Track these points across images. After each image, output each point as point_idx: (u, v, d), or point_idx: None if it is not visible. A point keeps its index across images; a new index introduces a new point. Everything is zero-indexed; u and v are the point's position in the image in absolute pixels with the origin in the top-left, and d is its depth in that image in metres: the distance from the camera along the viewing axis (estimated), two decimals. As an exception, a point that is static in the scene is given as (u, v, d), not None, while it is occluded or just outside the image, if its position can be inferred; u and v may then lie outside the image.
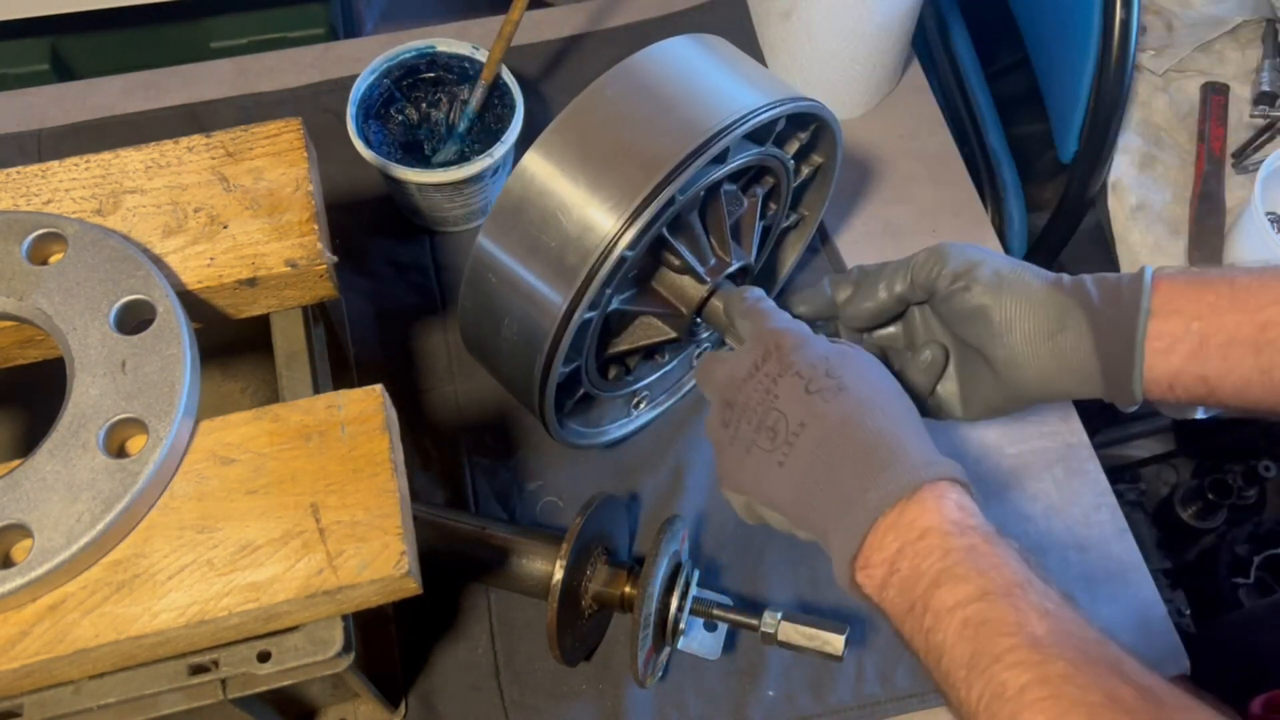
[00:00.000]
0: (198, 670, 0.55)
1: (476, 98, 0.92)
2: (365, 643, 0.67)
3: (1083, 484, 0.87)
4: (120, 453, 0.55)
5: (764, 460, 0.60)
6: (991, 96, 1.21)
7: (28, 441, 0.77)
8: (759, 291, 0.69)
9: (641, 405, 0.86)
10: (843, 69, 1.00)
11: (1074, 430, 0.89)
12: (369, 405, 0.59)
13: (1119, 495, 0.96)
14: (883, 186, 1.01)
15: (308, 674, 0.57)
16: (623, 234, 0.64)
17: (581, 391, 0.77)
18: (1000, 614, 0.49)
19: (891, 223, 0.99)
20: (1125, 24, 0.94)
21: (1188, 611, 1.32)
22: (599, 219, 0.64)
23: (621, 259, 0.65)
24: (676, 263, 0.72)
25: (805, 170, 0.81)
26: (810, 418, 0.59)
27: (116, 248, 0.59)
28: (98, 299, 0.58)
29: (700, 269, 0.72)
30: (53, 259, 0.60)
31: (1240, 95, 1.07)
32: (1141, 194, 1.02)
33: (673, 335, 0.76)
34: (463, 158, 0.92)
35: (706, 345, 0.85)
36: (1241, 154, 1.03)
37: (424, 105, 0.96)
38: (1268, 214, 0.95)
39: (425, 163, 0.93)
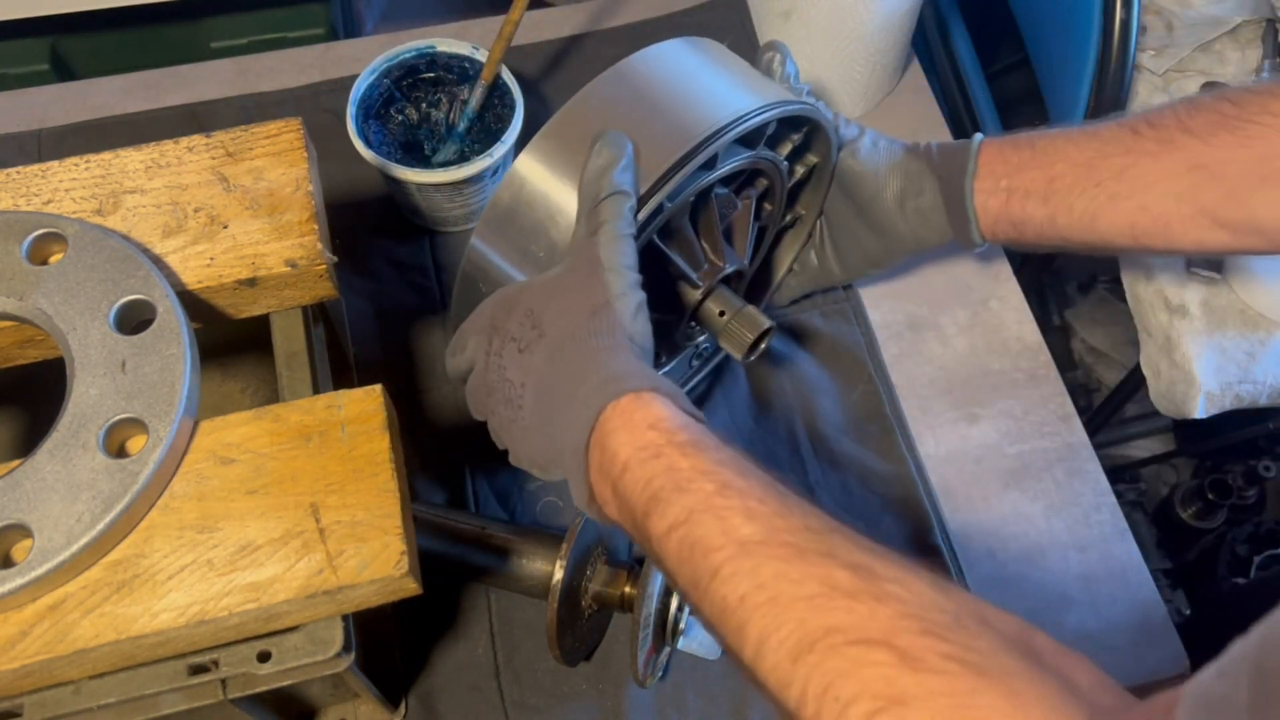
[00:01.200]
0: (198, 670, 0.55)
1: (476, 98, 0.92)
2: (365, 643, 0.67)
3: (1083, 484, 0.87)
4: (120, 453, 0.55)
5: (513, 429, 0.62)
6: (991, 96, 1.21)
7: (28, 441, 0.77)
8: (628, 227, 0.65)
9: None
10: (843, 69, 1.00)
11: (1074, 430, 0.89)
12: (369, 405, 0.59)
13: (1119, 495, 0.96)
14: (883, 186, 1.01)
15: (308, 674, 0.57)
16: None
17: None
18: (706, 529, 0.48)
19: (891, 223, 0.99)
20: (1125, 24, 0.94)
21: (1188, 611, 1.32)
22: None
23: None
24: (669, 268, 0.72)
25: (800, 170, 0.81)
26: (526, 375, 0.60)
27: (116, 248, 0.60)
28: (98, 299, 0.58)
29: (693, 274, 0.72)
30: (53, 259, 0.60)
31: (1240, 95, 1.06)
32: (1141, 194, 1.02)
33: (666, 338, 0.76)
34: (463, 158, 0.92)
35: (706, 347, 0.86)
36: (1241, 154, 1.03)
37: (424, 105, 0.96)
38: (1268, 214, 0.95)
39: (425, 163, 0.93)
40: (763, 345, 0.74)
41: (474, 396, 0.66)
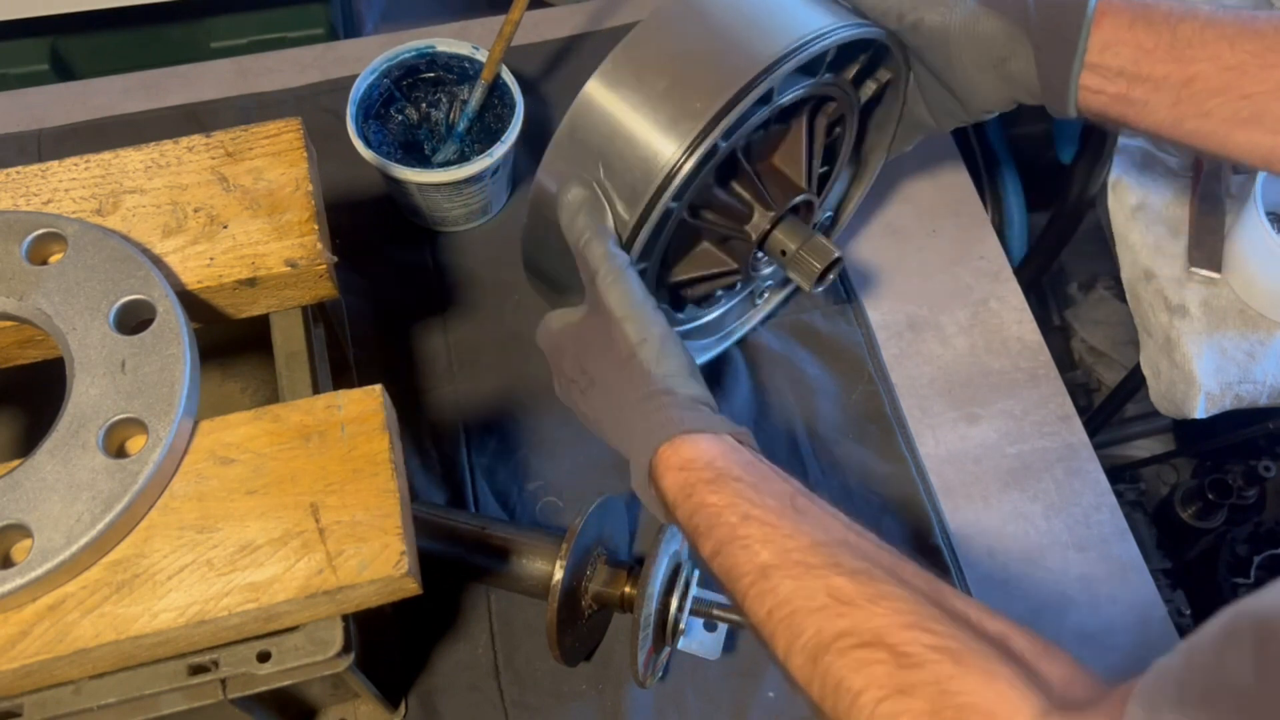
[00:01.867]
0: (198, 670, 0.55)
1: (476, 98, 0.92)
2: (365, 643, 0.67)
3: (1083, 484, 0.87)
4: (120, 453, 0.55)
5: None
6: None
7: (28, 441, 0.77)
8: (618, 262, 0.66)
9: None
10: (843, 69, 1.00)
11: (1074, 430, 0.89)
12: (369, 405, 0.59)
13: (1119, 495, 0.96)
14: (883, 186, 1.01)
15: (308, 674, 0.57)
16: (681, 164, 0.65)
17: None
18: (734, 558, 0.55)
19: (891, 223, 0.99)
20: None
21: (1188, 611, 1.32)
22: (660, 147, 0.65)
23: (683, 188, 0.66)
24: (741, 193, 0.72)
25: (873, 87, 0.78)
26: (593, 412, 0.67)
27: (116, 248, 0.60)
28: (97, 299, 0.58)
29: (755, 209, 0.73)
30: (53, 259, 0.60)
31: (1240, 95, 1.06)
32: (1141, 194, 1.02)
33: (733, 267, 0.76)
34: (463, 158, 0.92)
35: (770, 282, 0.86)
36: (1241, 154, 1.03)
37: (424, 105, 0.96)
38: (1268, 214, 0.94)
39: (425, 163, 0.93)
40: (831, 276, 0.74)
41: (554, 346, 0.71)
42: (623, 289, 0.64)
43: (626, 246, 0.67)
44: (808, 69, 0.70)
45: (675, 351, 0.64)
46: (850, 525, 0.55)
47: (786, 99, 0.70)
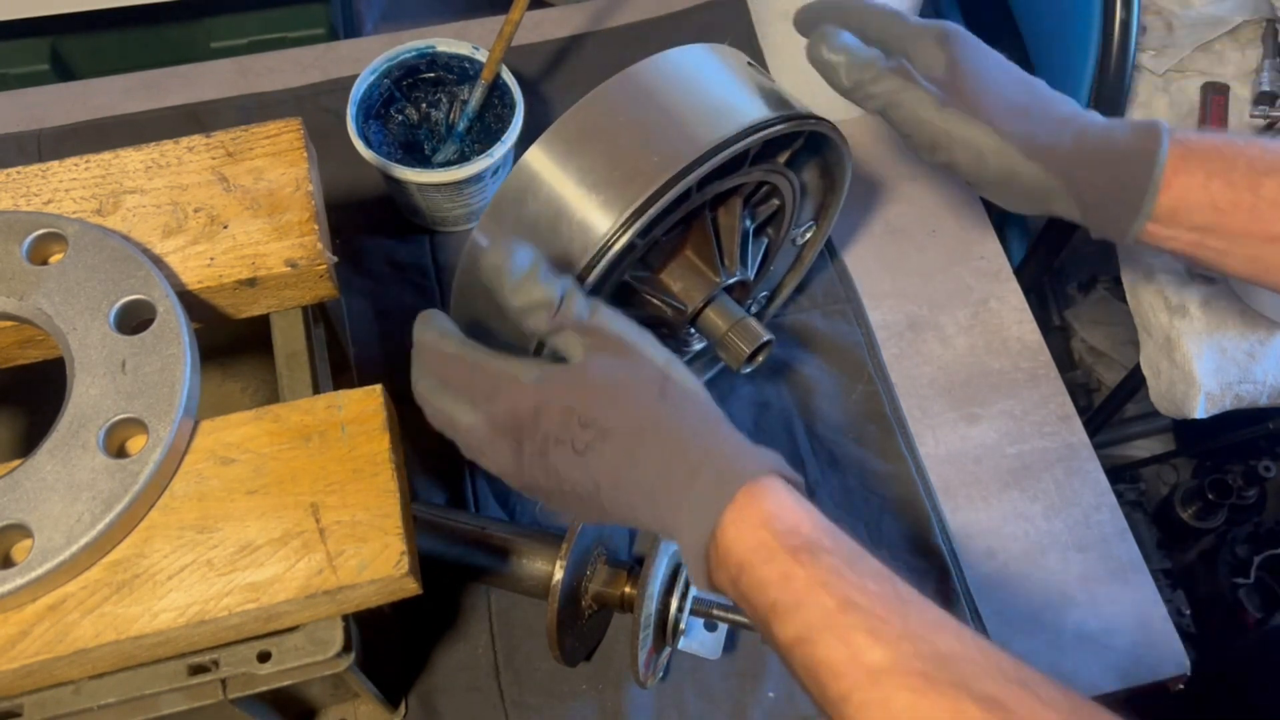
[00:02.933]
0: (198, 670, 0.55)
1: (476, 98, 0.92)
2: (365, 643, 0.67)
3: (1083, 484, 0.87)
4: (120, 453, 0.55)
5: (586, 515, 0.56)
6: (991, 96, 1.21)
7: (28, 441, 0.77)
8: (579, 308, 0.56)
9: None
10: (843, 69, 0.99)
11: (1074, 430, 0.89)
12: (369, 405, 0.59)
13: (1119, 495, 0.96)
14: (883, 186, 1.01)
15: (308, 674, 0.57)
16: (618, 238, 0.64)
17: None
18: (830, 651, 0.46)
19: (891, 223, 0.99)
20: (1125, 24, 0.94)
21: (1188, 611, 1.32)
22: (596, 220, 0.64)
23: (616, 261, 0.64)
24: (675, 271, 0.72)
25: (811, 174, 0.80)
26: (598, 476, 0.53)
27: (117, 248, 0.60)
28: (98, 299, 0.58)
29: (698, 278, 0.72)
30: (53, 259, 0.60)
31: (1240, 95, 1.06)
32: (1141, 194, 1.02)
33: (663, 335, 0.75)
34: (463, 158, 0.92)
35: (699, 348, 0.85)
36: (1241, 154, 1.03)
37: (424, 105, 0.96)
38: (1268, 214, 0.95)
39: (425, 163, 0.93)
40: (760, 358, 0.74)
41: (507, 481, 0.58)
42: (624, 319, 0.56)
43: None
44: (757, 154, 0.70)
45: (696, 378, 0.56)
46: (961, 627, 0.47)
47: (726, 182, 0.69)
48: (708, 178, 0.66)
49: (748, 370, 0.74)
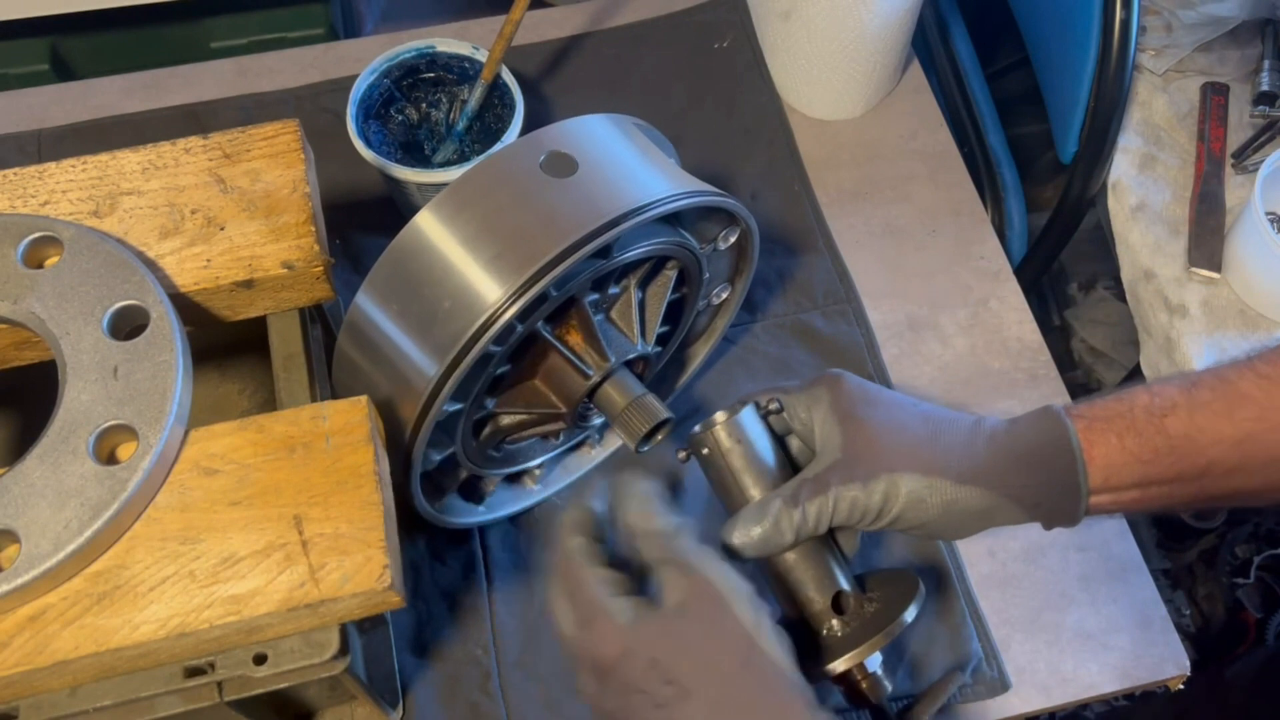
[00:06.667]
0: (194, 673, 0.55)
1: (476, 98, 0.92)
2: (363, 644, 0.67)
3: (1082, 485, 0.86)
4: (110, 459, 0.55)
5: None
6: (991, 96, 1.21)
7: (18, 445, 0.77)
8: (689, 546, 0.57)
9: (533, 485, 0.83)
10: (843, 69, 1.00)
11: (1073, 431, 0.89)
12: (354, 417, 0.58)
13: (1119, 496, 0.95)
14: (883, 186, 1.01)
15: (304, 676, 0.57)
16: (504, 311, 0.61)
17: (465, 474, 0.75)
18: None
19: (891, 223, 0.99)
20: (1125, 24, 0.94)
21: (1188, 611, 1.32)
22: (488, 285, 0.61)
23: (516, 320, 0.62)
24: (574, 344, 0.69)
25: (721, 248, 0.75)
26: None
27: (112, 253, 0.59)
28: (91, 304, 0.58)
29: (586, 361, 0.69)
30: (48, 263, 0.60)
31: (1240, 95, 1.06)
32: (1141, 194, 1.01)
33: (560, 410, 0.71)
34: (463, 158, 0.92)
35: (597, 424, 0.78)
36: (1241, 154, 1.03)
37: (424, 105, 0.96)
38: (1268, 214, 0.94)
39: (425, 163, 0.93)
40: (659, 436, 0.70)
41: (586, 700, 0.58)
42: (728, 568, 0.55)
43: (438, 389, 0.62)
44: (653, 230, 0.67)
45: (787, 639, 0.55)
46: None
47: (628, 256, 0.66)
48: (602, 251, 0.63)
49: (645, 450, 0.70)
